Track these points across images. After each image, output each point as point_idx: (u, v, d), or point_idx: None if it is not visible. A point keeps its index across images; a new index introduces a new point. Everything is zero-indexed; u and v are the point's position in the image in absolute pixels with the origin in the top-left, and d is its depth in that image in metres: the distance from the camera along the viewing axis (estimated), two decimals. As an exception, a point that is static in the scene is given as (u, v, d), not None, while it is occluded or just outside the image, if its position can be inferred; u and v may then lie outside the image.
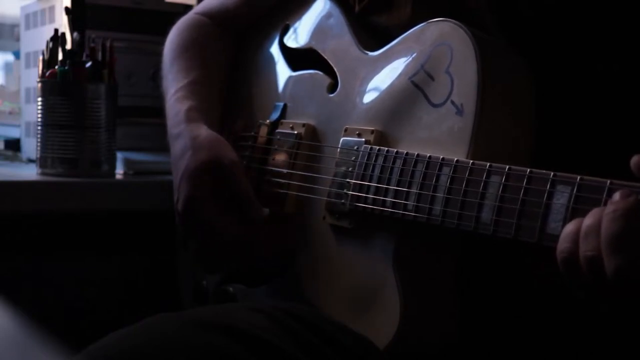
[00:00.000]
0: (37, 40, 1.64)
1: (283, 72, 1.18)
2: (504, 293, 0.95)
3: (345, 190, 0.97)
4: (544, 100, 0.89)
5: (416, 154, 0.88)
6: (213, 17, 1.27)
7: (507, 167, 0.78)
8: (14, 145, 1.76)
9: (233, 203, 1.05)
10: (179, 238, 1.32)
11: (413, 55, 0.94)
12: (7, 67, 2.51)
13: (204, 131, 1.09)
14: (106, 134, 1.42)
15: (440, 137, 0.88)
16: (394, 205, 0.90)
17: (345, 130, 1.00)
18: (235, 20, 1.27)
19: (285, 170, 1.08)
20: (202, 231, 1.06)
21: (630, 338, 0.94)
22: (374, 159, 0.94)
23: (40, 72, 1.45)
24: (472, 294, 0.94)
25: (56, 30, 1.49)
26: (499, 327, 0.96)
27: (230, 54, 1.26)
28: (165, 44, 1.26)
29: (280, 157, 1.10)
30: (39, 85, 1.43)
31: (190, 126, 1.10)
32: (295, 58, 1.17)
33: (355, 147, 0.97)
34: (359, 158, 0.96)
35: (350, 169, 0.97)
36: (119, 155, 1.48)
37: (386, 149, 0.93)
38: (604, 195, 0.70)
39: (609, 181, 0.70)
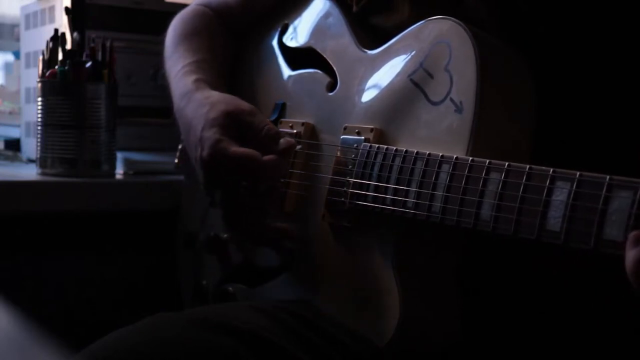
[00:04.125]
0: (37, 40, 1.64)
1: (282, 71, 1.18)
2: (507, 292, 0.95)
3: (344, 189, 0.97)
4: (543, 98, 0.89)
5: (415, 151, 0.88)
6: (213, 11, 1.27)
7: (507, 163, 0.78)
8: (14, 145, 1.76)
9: (258, 145, 1.00)
10: (179, 238, 1.32)
11: (412, 54, 0.94)
12: (7, 67, 2.51)
13: (214, 92, 1.07)
14: (106, 134, 1.42)
15: (440, 135, 0.88)
16: (393, 203, 0.90)
17: (345, 128, 1.00)
18: (234, 17, 1.27)
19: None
20: (231, 172, 1.00)
21: (632, 338, 0.94)
22: (373, 157, 0.94)
23: (40, 72, 1.45)
24: (475, 293, 0.94)
25: (56, 30, 1.49)
26: (502, 326, 0.95)
27: (230, 51, 1.26)
28: (166, 32, 1.25)
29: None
30: (39, 85, 1.43)
31: (199, 91, 1.08)
32: (294, 57, 1.17)
33: (355, 146, 0.97)
34: (359, 156, 0.96)
35: (349, 168, 0.97)
36: (119, 155, 1.48)
37: (385, 147, 0.93)
38: (604, 191, 0.70)
39: (608, 177, 0.70)
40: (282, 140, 1.01)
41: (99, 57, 1.44)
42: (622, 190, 0.69)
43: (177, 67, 1.16)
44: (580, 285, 0.93)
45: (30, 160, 1.63)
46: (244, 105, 1.04)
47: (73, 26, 1.47)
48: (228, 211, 1.04)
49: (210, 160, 0.99)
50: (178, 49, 1.20)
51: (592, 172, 0.72)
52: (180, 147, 1.28)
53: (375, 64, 1.00)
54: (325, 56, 1.10)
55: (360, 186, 0.95)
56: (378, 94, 0.98)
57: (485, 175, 0.80)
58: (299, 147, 1.04)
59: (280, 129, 1.11)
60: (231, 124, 1.01)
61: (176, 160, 1.29)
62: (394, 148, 0.91)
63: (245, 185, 1.00)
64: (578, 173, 0.72)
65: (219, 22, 1.27)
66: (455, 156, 0.84)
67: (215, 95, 1.06)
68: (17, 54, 2.01)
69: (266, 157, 0.98)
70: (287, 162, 1.02)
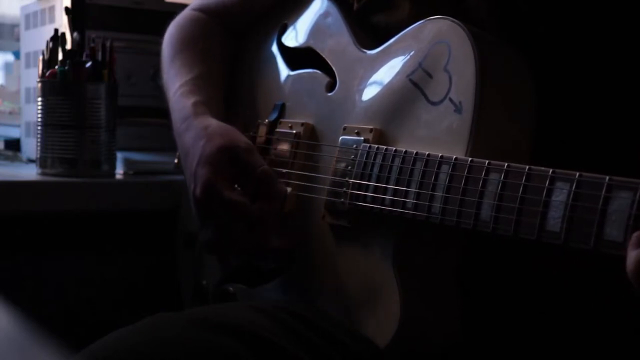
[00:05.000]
0: (37, 40, 1.64)
1: (281, 71, 1.18)
2: (507, 292, 0.95)
3: (344, 189, 0.97)
4: (543, 98, 0.89)
5: (415, 152, 0.88)
6: (210, 13, 1.27)
7: (506, 164, 0.78)
8: (14, 145, 1.76)
9: (252, 184, 1.02)
10: (179, 238, 1.32)
11: (411, 54, 0.94)
12: (7, 67, 2.51)
13: (214, 121, 1.07)
14: (106, 134, 1.42)
15: (439, 135, 0.88)
16: (393, 203, 0.90)
17: (344, 129, 1.00)
18: (232, 17, 1.26)
19: (284, 170, 1.08)
20: (221, 215, 1.02)
21: (632, 338, 0.94)
22: (372, 157, 0.94)
23: (40, 72, 1.45)
24: (475, 293, 0.94)
25: (56, 30, 1.49)
26: (502, 326, 0.95)
27: (229, 51, 1.26)
28: (163, 40, 1.26)
29: (279, 157, 1.09)
30: (39, 85, 1.43)
31: (198, 119, 1.09)
32: (293, 57, 1.17)
33: (354, 146, 0.97)
34: (358, 157, 0.96)
35: (349, 168, 0.97)
36: (119, 155, 1.48)
37: (385, 147, 0.93)
38: (603, 192, 0.70)
39: (607, 177, 0.70)
40: (275, 184, 1.02)
41: (99, 57, 1.44)
42: (622, 190, 0.69)
43: (175, 85, 1.16)
44: (580, 285, 0.92)
45: (30, 160, 1.63)
46: (241, 141, 1.04)
47: (73, 26, 1.47)
48: (221, 240, 1.06)
49: (202, 199, 1.02)
50: (174, 63, 1.20)
51: (592, 172, 0.72)
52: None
53: (375, 64, 1.00)
54: (324, 56, 1.10)
55: (360, 187, 0.95)
56: (377, 94, 0.98)
57: (484, 175, 0.80)
58: (289, 189, 1.04)
59: (280, 129, 1.11)
60: (225, 162, 1.02)
61: (176, 160, 1.29)
62: (394, 148, 0.91)
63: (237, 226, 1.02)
64: (577, 174, 0.72)
65: (216, 25, 1.26)
66: (454, 157, 0.84)
67: (213, 125, 1.06)
68: (17, 54, 2.01)
69: (256, 206, 1.00)
70: (279, 206, 1.03)
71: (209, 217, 1.04)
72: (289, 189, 1.04)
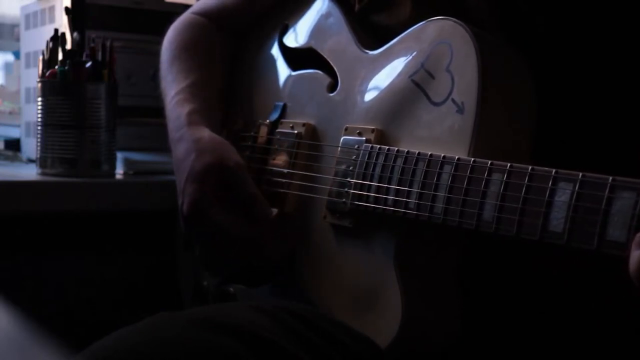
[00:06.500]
0: (37, 40, 1.64)
1: (283, 71, 1.18)
2: (507, 292, 0.95)
3: (346, 189, 0.97)
4: (544, 98, 0.89)
5: (417, 152, 0.88)
6: (211, 16, 1.27)
7: (509, 164, 0.78)
8: (14, 145, 1.76)
9: (238, 204, 1.04)
10: (179, 238, 1.32)
11: (413, 54, 0.94)
12: (7, 67, 2.51)
13: (206, 134, 1.08)
14: (106, 134, 1.42)
15: (441, 136, 0.88)
16: (395, 204, 0.89)
17: (346, 129, 1.00)
18: (234, 19, 1.26)
19: (285, 170, 1.08)
20: (208, 233, 1.05)
21: (632, 338, 0.94)
22: (374, 157, 0.94)
23: (40, 72, 1.45)
24: (476, 293, 0.94)
25: (56, 30, 1.49)
26: (502, 326, 0.95)
27: (229, 54, 1.26)
28: (162, 44, 1.26)
29: (281, 157, 1.09)
30: (39, 85, 1.43)
31: (192, 129, 1.09)
32: (294, 58, 1.16)
33: (356, 146, 0.97)
34: (360, 157, 0.96)
35: (350, 168, 0.97)
36: (119, 155, 1.48)
37: (387, 147, 0.93)
38: (606, 192, 0.69)
39: (610, 178, 0.70)
40: (260, 207, 1.03)
41: (99, 57, 1.43)
42: (625, 191, 0.69)
43: (171, 92, 1.17)
44: (581, 285, 0.92)
45: (30, 160, 1.63)
46: (230, 158, 1.05)
47: (73, 26, 1.47)
48: (209, 258, 1.08)
49: (188, 216, 1.04)
50: (172, 69, 1.20)
51: (594, 172, 0.72)
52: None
53: (376, 65, 1.00)
54: (325, 56, 1.10)
55: (362, 187, 0.94)
56: (379, 94, 0.98)
57: (487, 176, 0.80)
58: (275, 210, 1.06)
59: (281, 129, 1.11)
60: (212, 180, 1.03)
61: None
62: (395, 149, 0.91)
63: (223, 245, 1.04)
64: (580, 174, 0.72)
65: (215, 29, 1.26)
66: (457, 157, 0.84)
67: (204, 139, 1.07)
68: (17, 54, 2.01)
69: (242, 228, 1.02)
70: (267, 227, 1.04)
71: (196, 234, 1.07)
72: (274, 211, 1.06)
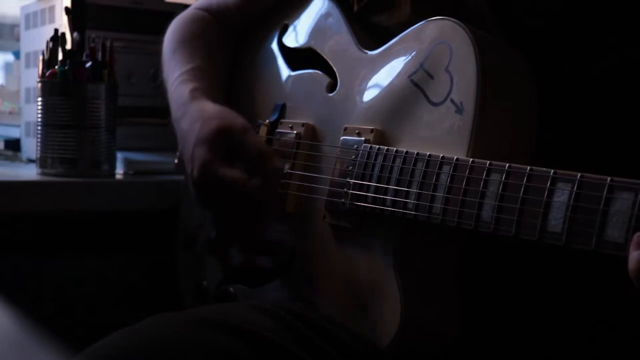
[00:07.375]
0: (37, 40, 1.64)
1: (282, 71, 1.18)
2: (507, 292, 0.95)
3: (345, 190, 0.97)
4: (544, 99, 0.89)
5: (416, 152, 0.88)
6: (212, 13, 1.27)
7: (508, 165, 0.78)
8: (14, 145, 1.76)
9: (249, 164, 1.01)
10: (179, 238, 1.32)
11: (412, 54, 0.94)
12: (7, 67, 2.51)
13: (210, 104, 1.07)
14: (106, 134, 1.42)
15: (440, 136, 0.88)
16: (394, 204, 0.90)
17: (345, 129, 1.00)
18: (234, 18, 1.27)
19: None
20: (219, 194, 1.01)
21: (632, 338, 0.94)
22: (373, 158, 0.94)
23: (40, 72, 1.45)
24: (475, 293, 0.94)
25: (56, 30, 1.49)
26: (502, 326, 0.95)
27: (230, 51, 1.26)
28: (165, 36, 1.25)
29: (280, 157, 1.09)
30: (39, 85, 1.43)
31: (194, 103, 1.08)
32: (294, 58, 1.17)
33: (355, 146, 0.97)
34: (359, 157, 0.96)
35: (350, 168, 0.97)
36: (119, 155, 1.48)
37: (386, 147, 0.93)
38: (605, 193, 0.70)
39: (609, 178, 0.70)
40: (271, 160, 1.01)
41: (99, 57, 1.44)
42: (623, 191, 0.69)
43: (174, 74, 1.16)
44: (581, 285, 0.93)
45: (30, 160, 1.63)
46: (237, 122, 1.03)
47: (73, 26, 1.47)
48: (221, 225, 1.06)
49: (200, 180, 1.01)
50: (175, 56, 1.20)
51: (593, 173, 0.72)
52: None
53: (376, 65, 1.00)
54: (325, 56, 1.10)
55: (361, 187, 0.94)
56: (378, 94, 0.98)
57: (485, 176, 0.80)
58: (287, 166, 1.05)
59: (281, 130, 1.11)
60: (221, 142, 1.01)
61: (176, 160, 1.29)
62: (394, 149, 0.91)
63: (236, 205, 1.01)
64: (579, 174, 0.72)
65: (218, 25, 1.26)
66: (455, 157, 0.84)
67: (209, 108, 1.06)
68: (17, 54, 2.01)
69: (253, 182, 0.99)
70: (277, 182, 1.03)
71: (208, 198, 1.04)
72: (285, 165, 1.04)
